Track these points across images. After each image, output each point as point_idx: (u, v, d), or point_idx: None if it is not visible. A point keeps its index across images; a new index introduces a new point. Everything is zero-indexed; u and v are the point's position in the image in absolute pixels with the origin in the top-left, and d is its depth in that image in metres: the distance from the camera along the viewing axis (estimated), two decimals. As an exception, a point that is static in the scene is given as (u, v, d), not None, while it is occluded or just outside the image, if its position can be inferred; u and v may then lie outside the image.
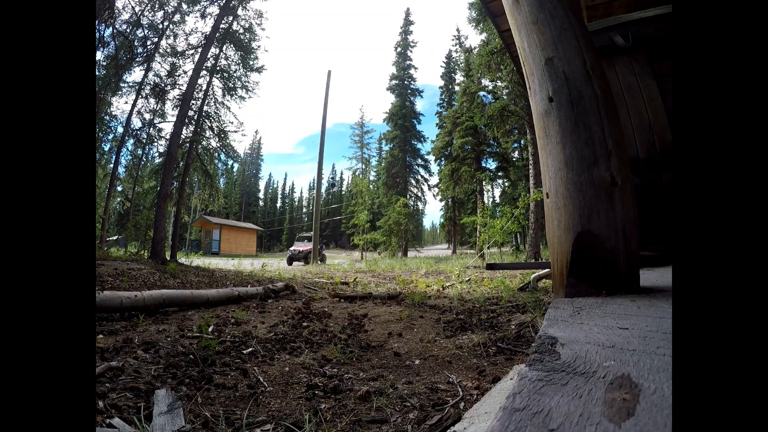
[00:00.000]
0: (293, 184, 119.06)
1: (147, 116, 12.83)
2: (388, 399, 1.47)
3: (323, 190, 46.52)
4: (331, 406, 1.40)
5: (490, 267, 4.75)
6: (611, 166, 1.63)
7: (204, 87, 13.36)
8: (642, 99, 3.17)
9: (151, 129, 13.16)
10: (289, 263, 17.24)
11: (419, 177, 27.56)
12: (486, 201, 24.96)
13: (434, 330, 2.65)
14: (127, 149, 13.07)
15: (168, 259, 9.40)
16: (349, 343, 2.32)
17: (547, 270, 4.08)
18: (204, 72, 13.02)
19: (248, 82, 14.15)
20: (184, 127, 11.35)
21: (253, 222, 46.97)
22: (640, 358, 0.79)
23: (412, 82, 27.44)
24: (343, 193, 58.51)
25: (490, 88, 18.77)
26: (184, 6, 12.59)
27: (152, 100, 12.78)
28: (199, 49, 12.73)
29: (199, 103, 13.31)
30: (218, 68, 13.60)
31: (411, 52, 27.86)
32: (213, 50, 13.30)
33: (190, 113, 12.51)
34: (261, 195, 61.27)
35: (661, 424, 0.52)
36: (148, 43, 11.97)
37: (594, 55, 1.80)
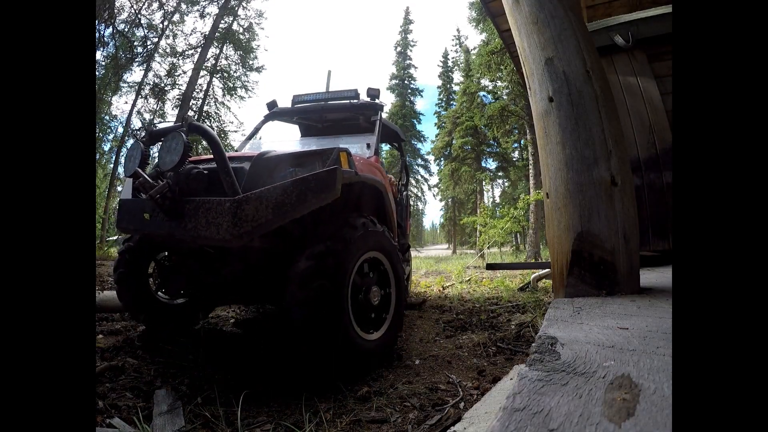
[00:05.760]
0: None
1: (147, 116, 12.83)
2: (388, 399, 1.47)
3: (323, 190, 46.02)
4: (331, 406, 1.41)
5: (490, 267, 4.73)
6: (611, 166, 1.63)
7: (204, 87, 13.38)
8: (642, 99, 3.18)
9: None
10: None
11: (419, 177, 27.57)
12: (486, 201, 24.96)
13: (434, 330, 2.65)
14: (128, 148, 13.06)
15: (168, 259, 9.37)
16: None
17: (547, 270, 4.08)
18: (204, 72, 13.05)
19: (248, 81, 14.18)
20: (184, 127, 11.35)
21: (253, 222, 46.73)
22: (640, 358, 0.79)
23: (412, 82, 27.44)
24: (343, 193, 58.15)
25: (490, 88, 18.77)
26: (183, 6, 12.60)
27: (152, 100, 12.79)
28: (199, 49, 12.76)
29: (199, 103, 13.33)
30: (218, 68, 13.61)
31: (411, 51, 27.85)
32: (213, 50, 13.32)
33: (190, 113, 12.52)
34: (261, 195, 61.00)
35: (661, 424, 0.52)
36: (148, 43, 11.97)
37: (594, 55, 1.81)
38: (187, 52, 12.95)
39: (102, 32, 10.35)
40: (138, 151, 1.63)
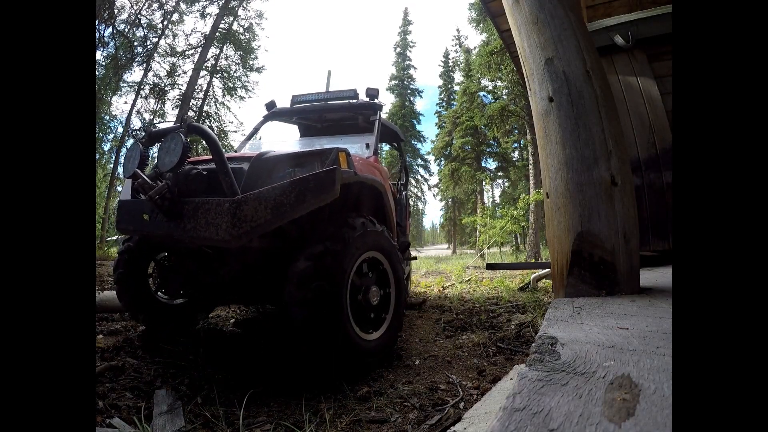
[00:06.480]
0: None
1: (147, 116, 12.83)
2: (388, 399, 1.47)
3: (323, 190, 45.70)
4: (331, 406, 1.40)
5: (490, 267, 4.73)
6: (611, 166, 1.63)
7: (204, 87, 13.38)
8: (642, 99, 3.18)
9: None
10: None
11: (419, 177, 27.57)
12: (486, 201, 24.95)
13: (434, 330, 2.65)
14: (127, 149, 13.04)
15: (168, 259, 9.35)
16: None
17: (547, 270, 4.08)
18: (204, 72, 13.04)
19: (248, 82, 14.18)
20: (184, 127, 11.34)
21: (253, 222, 46.61)
22: (640, 358, 0.79)
23: (412, 83, 27.43)
24: (343, 193, 57.90)
25: (490, 88, 18.77)
26: (183, 6, 12.60)
27: (152, 100, 12.78)
28: (199, 49, 12.76)
29: (199, 103, 13.32)
30: (218, 68, 13.61)
31: (410, 52, 27.83)
32: (213, 50, 13.32)
33: (190, 113, 12.52)
34: (261, 195, 60.82)
35: (661, 424, 0.52)
36: (148, 43, 11.97)
37: (594, 55, 1.81)
38: (187, 52, 12.95)
39: (102, 32, 10.35)
40: (137, 152, 1.62)
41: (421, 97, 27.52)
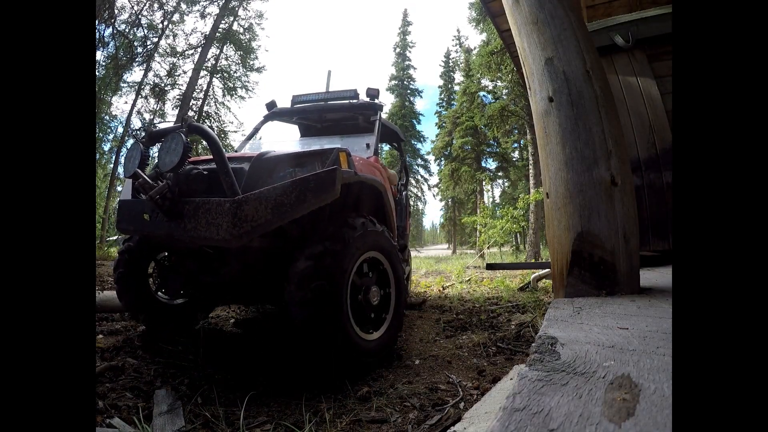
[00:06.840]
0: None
1: (147, 116, 12.83)
2: (388, 399, 1.47)
3: (323, 190, 45.60)
4: (331, 406, 1.41)
5: (490, 267, 4.73)
6: (611, 166, 1.63)
7: (204, 87, 13.38)
8: (642, 99, 3.18)
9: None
10: None
11: (419, 177, 27.56)
12: (486, 201, 24.94)
13: (434, 330, 2.65)
14: (127, 149, 13.04)
15: (168, 259, 9.34)
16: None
17: (547, 270, 4.07)
18: (204, 72, 13.04)
19: (248, 82, 14.18)
20: (184, 127, 11.33)
21: (253, 222, 46.60)
22: (640, 358, 0.79)
23: (412, 83, 27.43)
24: (343, 193, 57.80)
25: (490, 88, 18.78)
26: (183, 6, 12.59)
27: (152, 100, 12.78)
28: (199, 49, 12.76)
29: (199, 103, 13.32)
30: (218, 68, 13.61)
31: (410, 52, 27.84)
32: (213, 50, 13.33)
33: (190, 113, 12.52)
34: (261, 195, 60.76)
35: (661, 424, 0.52)
36: (148, 43, 11.97)
37: (594, 55, 1.81)
38: (187, 52, 12.95)
39: (102, 32, 10.35)
40: (137, 152, 1.63)
41: (421, 97, 27.52)
